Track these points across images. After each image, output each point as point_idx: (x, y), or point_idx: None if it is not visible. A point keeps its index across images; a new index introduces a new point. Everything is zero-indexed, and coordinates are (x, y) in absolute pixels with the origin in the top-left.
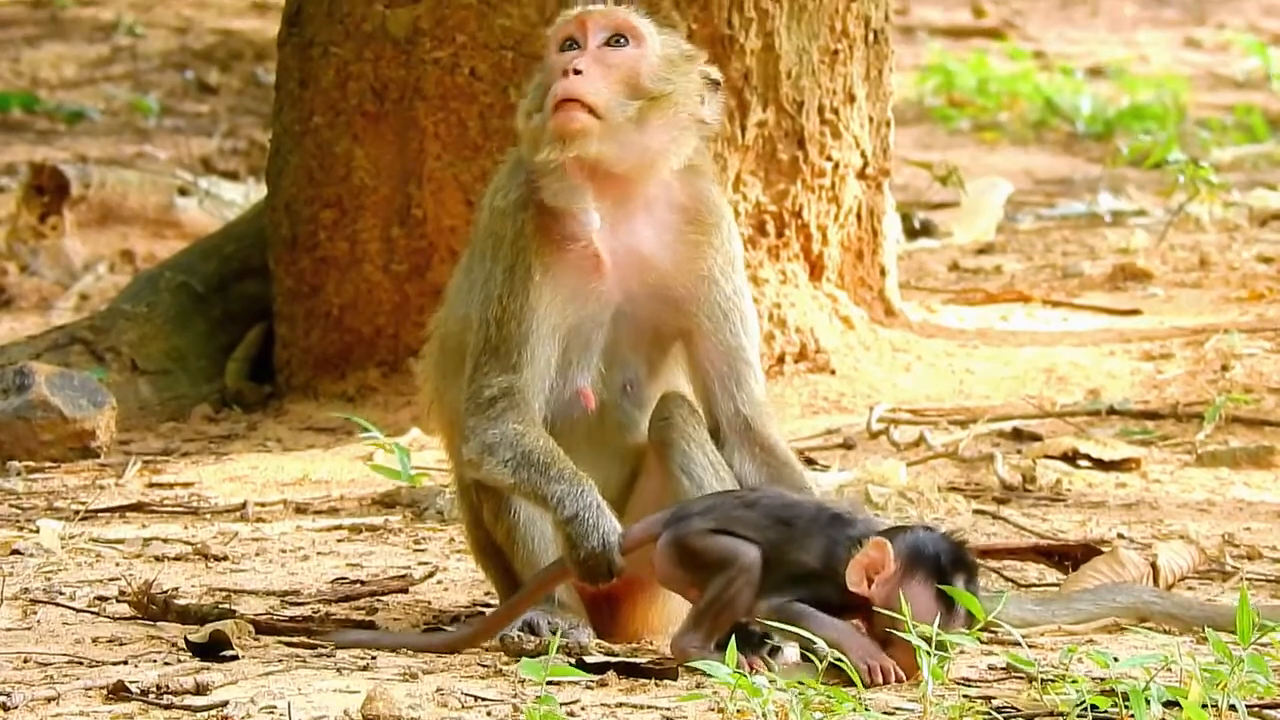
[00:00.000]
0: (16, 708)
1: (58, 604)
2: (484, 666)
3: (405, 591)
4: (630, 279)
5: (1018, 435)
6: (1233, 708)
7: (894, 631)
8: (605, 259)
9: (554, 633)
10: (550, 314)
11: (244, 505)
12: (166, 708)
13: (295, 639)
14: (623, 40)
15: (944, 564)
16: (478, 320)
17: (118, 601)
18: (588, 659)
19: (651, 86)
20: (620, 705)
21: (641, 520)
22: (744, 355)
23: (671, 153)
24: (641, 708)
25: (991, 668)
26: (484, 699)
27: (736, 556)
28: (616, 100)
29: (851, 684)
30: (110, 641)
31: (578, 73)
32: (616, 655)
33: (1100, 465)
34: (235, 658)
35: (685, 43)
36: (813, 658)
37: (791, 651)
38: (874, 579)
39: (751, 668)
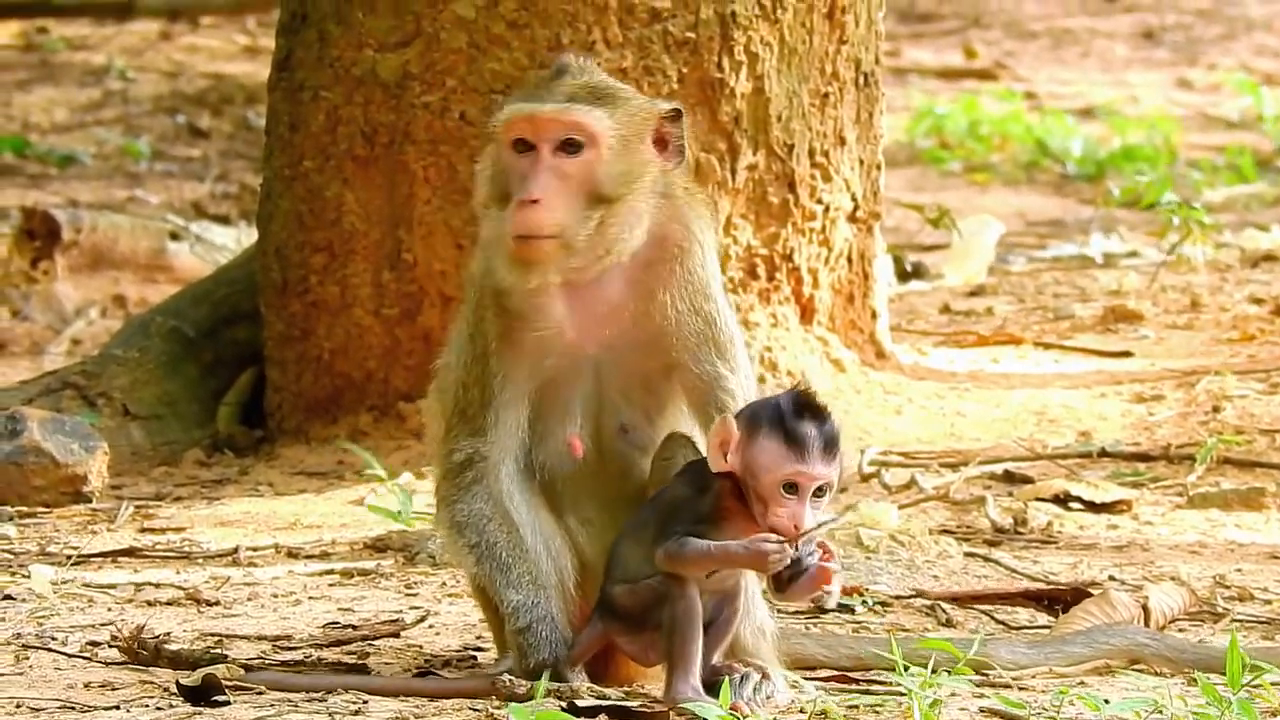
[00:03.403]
0: None
1: (50, 649)
2: (475, 711)
3: (397, 636)
4: (598, 331)
5: (1009, 478)
6: None
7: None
8: (565, 322)
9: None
10: (514, 379)
11: (236, 550)
12: None
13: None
14: (575, 145)
15: (784, 410)
16: (454, 379)
17: (109, 646)
18: (579, 703)
19: (610, 191)
20: None
21: (585, 628)
22: (722, 384)
23: (632, 233)
24: None
25: (983, 710)
26: None
27: (667, 589)
28: (576, 217)
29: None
30: (102, 686)
31: (534, 201)
32: (609, 699)
33: (1091, 507)
34: (227, 703)
35: (636, 101)
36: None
37: (783, 695)
38: (727, 452)
39: (742, 712)
